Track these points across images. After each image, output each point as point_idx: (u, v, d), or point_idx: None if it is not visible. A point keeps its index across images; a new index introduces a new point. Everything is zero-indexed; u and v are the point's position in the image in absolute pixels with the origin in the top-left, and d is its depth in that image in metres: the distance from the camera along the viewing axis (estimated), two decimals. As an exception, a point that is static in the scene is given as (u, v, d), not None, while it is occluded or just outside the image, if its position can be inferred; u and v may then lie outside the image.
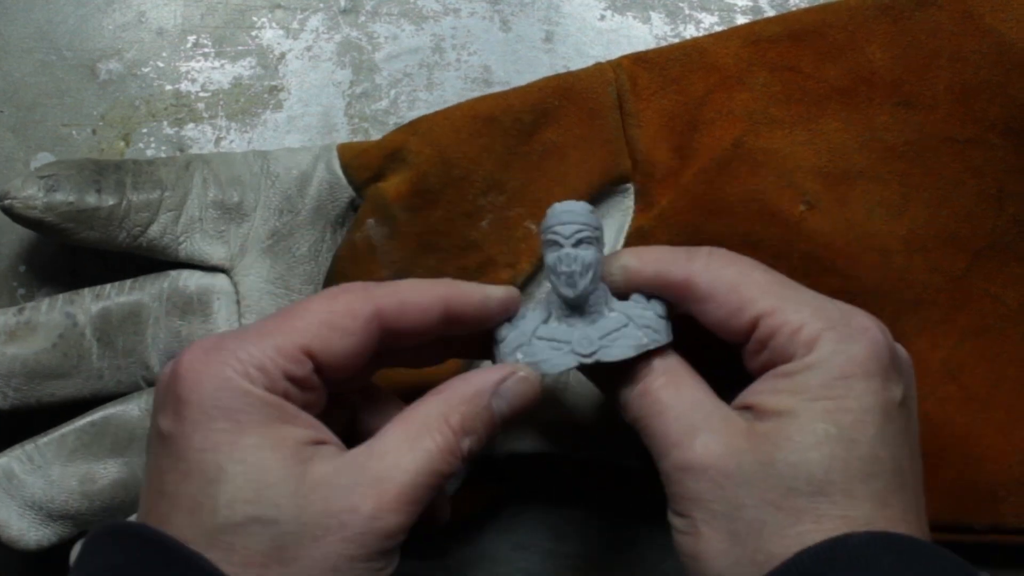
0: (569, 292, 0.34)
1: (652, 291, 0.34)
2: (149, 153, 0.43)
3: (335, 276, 0.39)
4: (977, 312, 0.40)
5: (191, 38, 0.43)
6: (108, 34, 0.43)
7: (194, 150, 0.43)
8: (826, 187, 0.40)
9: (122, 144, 0.43)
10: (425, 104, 0.43)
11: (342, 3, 0.44)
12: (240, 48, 0.43)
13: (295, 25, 0.43)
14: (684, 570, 0.32)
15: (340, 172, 0.39)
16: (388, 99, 0.43)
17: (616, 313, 0.35)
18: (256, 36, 0.43)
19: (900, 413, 0.32)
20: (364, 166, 0.39)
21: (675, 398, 0.33)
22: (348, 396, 0.35)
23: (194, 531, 0.29)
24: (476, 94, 0.42)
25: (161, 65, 0.43)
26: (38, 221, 0.38)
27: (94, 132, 0.43)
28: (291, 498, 0.30)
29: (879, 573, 0.28)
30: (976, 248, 0.40)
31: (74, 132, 0.43)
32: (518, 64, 0.43)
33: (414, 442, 0.31)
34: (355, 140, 0.42)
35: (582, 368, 0.35)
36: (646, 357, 0.34)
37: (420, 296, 0.33)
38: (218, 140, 0.43)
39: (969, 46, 0.40)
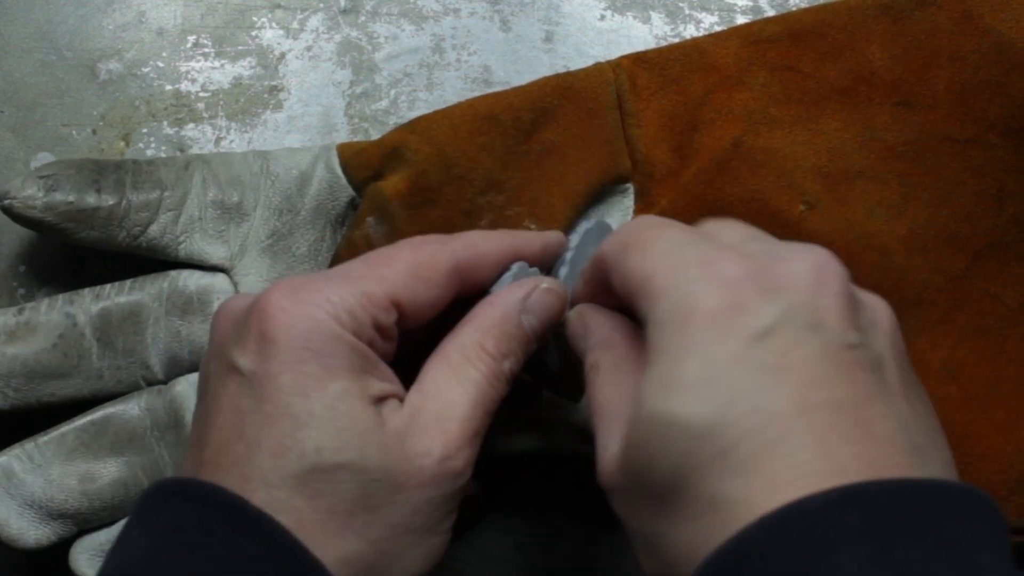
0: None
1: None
2: (149, 153, 0.43)
3: None
4: (977, 312, 0.40)
5: (191, 38, 0.43)
6: (108, 34, 0.43)
7: (194, 150, 0.43)
8: (826, 187, 0.40)
9: (122, 144, 0.43)
10: (425, 104, 0.43)
11: (342, 3, 0.43)
12: (240, 48, 0.43)
13: (295, 25, 0.43)
14: None
15: (340, 171, 0.39)
16: (388, 99, 0.43)
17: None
18: (256, 36, 0.43)
19: (778, 344, 0.26)
20: (363, 165, 0.39)
21: (605, 398, 0.30)
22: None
23: (278, 474, 0.29)
24: (476, 94, 0.42)
25: (161, 65, 0.43)
26: (38, 221, 0.38)
27: (94, 132, 0.43)
28: (377, 447, 0.30)
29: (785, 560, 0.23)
30: (976, 248, 0.40)
31: (74, 132, 0.43)
32: (518, 64, 0.43)
33: (460, 376, 0.32)
34: (355, 140, 0.42)
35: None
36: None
37: (492, 247, 0.34)
38: (218, 140, 0.43)
39: (968, 46, 0.40)
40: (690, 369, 0.26)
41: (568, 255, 0.37)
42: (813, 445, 0.24)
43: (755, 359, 0.26)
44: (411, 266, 0.32)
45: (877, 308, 0.29)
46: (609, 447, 0.29)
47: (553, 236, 0.36)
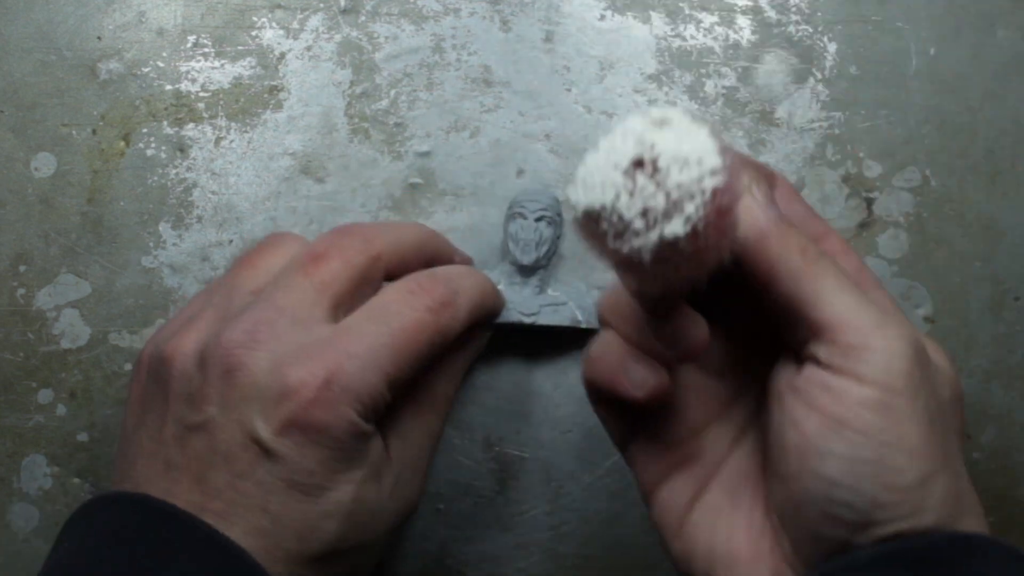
0: (524, 258, 0.38)
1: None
2: (149, 153, 0.42)
3: None
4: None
5: (191, 38, 0.43)
6: (108, 34, 0.43)
7: (194, 149, 0.42)
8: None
9: (122, 144, 0.42)
10: (425, 104, 0.42)
11: (342, 3, 0.43)
12: (240, 48, 0.43)
13: (295, 25, 0.43)
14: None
15: None
16: (388, 99, 0.42)
17: (558, 293, 0.39)
18: (256, 36, 0.43)
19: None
20: None
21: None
22: None
23: (302, 556, 0.30)
24: (476, 94, 0.42)
25: (161, 65, 0.43)
26: None
27: (94, 132, 0.42)
28: (383, 525, 0.32)
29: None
30: None
31: (74, 132, 0.42)
32: (518, 64, 0.43)
33: (425, 420, 0.35)
34: (355, 140, 0.42)
35: (519, 328, 0.39)
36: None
37: (485, 308, 0.36)
38: (218, 140, 0.42)
39: None
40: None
41: None
42: (952, 470, 0.28)
43: (923, 406, 0.27)
44: (424, 350, 0.33)
45: (946, 371, 0.30)
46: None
47: (463, 253, 0.39)
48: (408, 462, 0.33)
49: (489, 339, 0.39)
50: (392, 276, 0.35)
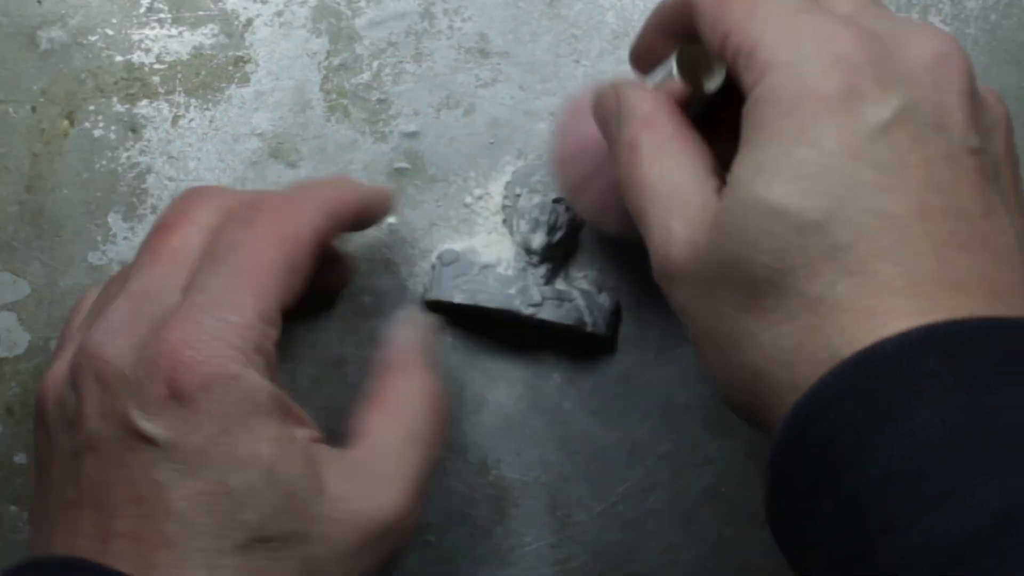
0: (534, 240, 0.37)
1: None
2: (97, 134, 0.40)
3: None
4: None
5: (144, 2, 0.41)
6: (50, -3, 0.41)
7: (148, 129, 0.41)
8: None
9: (66, 123, 0.41)
10: (412, 78, 0.41)
11: (317, -38, 0.42)
12: (201, 14, 0.41)
13: (264, -13, 0.42)
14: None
15: None
16: (370, 72, 0.41)
17: (566, 287, 0.38)
18: (219, 0, 0.41)
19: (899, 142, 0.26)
20: None
21: (657, 179, 0.30)
22: None
23: (222, 554, 0.29)
24: (471, 66, 0.41)
25: (110, 33, 0.41)
26: None
27: (34, 110, 0.41)
28: (320, 518, 0.30)
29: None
30: None
31: (11, 110, 0.40)
32: (519, 32, 0.41)
33: (410, 431, 0.34)
34: (332, 118, 0.41)
35: (512, 319, 0.38)
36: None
37: (344, 201, 0.34)
38: (175, 119, 0.41)
39: None
40: (802, 157, 0.25)
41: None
42: (930, 252, 0.25)
43: (874, 155, 0.25)
44: (282, 262, 0.31)
45: (996, 107, 0.28)
46: (676, 232, 0.28)
47: (381, 188, 0.38)
48: (383, 473, 0.32)
49: (489, 334, 0.40)
50: None
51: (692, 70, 0.31)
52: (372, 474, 0.31)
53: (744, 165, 0.26)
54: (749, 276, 0.26)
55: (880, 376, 0.24)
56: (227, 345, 0.30)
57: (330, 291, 0.38)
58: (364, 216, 0.36)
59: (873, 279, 0.25)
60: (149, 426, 0.29)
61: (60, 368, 0.32)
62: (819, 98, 0.25)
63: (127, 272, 0.34)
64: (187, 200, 0.34)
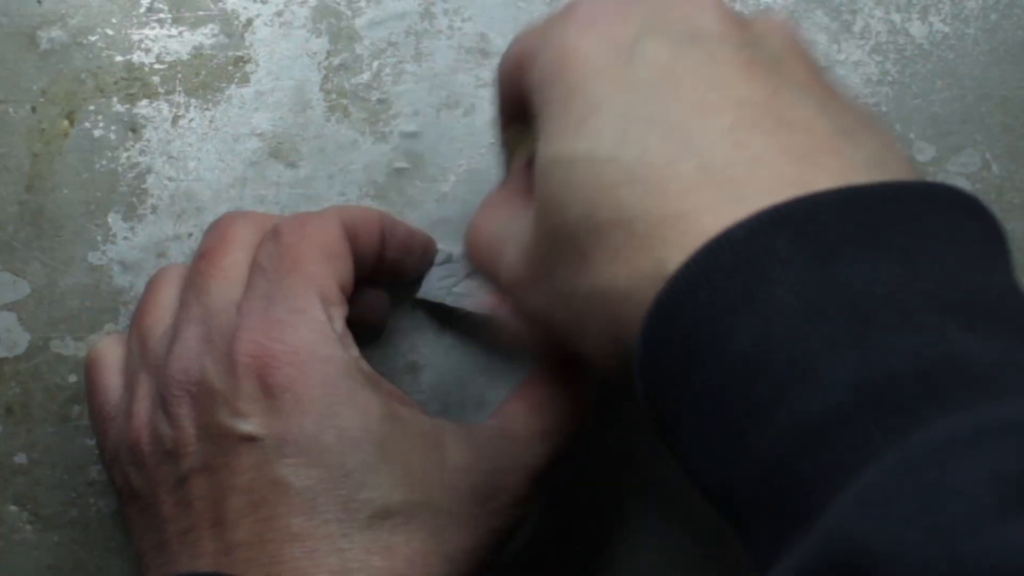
0: None
1: None
2: (97, 134, 0.40)
3: None
4: None
5: (145, 2, 0.41)
6: (50, -3, 0.41)
7: (148, 129, 0.41)
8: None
9: (66, 123, 0.41)
10: (413, 78, 0.41)
11: (317, -38, 0.42)
12: (201, 14, 0.41)
13: (264, -13, 0.42)
14: None
15: None
16: (370, 72, 0.41)
17: None
18: (219, 0, 0.41)
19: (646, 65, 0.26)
20: None
21: (495, 221, 0.32)
22: None
23: (351, 536, 0.29)
24: (471, 66, 0.41)
25: (110, 33, 0.41)
26: None
27: (34, 110, 0.41)
28: (441, 488, 0.31)
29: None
30: None
31: (11, 110, 0.40)
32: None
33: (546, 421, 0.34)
34: (332, 118, 0.41)
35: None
36: None
37: (363, 216, 0.35)
38: (175, 119, 0.41)
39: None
40: (577, 107, 0.26)
41: None
42: (719, 140, 0.24)
43: (636, 77, 0.26)
44: (325, 249, 0.32)
45: (769, 22, 0.28)
46: (510, 250, 0.30)
47: (424, 233, 0.38)
48: (509, 455, 0.33)
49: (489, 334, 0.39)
50: None
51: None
52: (498, 455, 0.32)
53: (541, 142, 0.27)
54: (572, 238, 0.26)
55: (724, 268, 0.23)
56: (308, 330, 0.30)
57: (370, 324, 0.38)
58: (393, 243, 0.36)
59: (674, 184, 0.24)
60: (250, 427, 0.29)
61: (142, 407, 0.32)
62: (577, 55, 0.27)
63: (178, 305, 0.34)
64: (224, 225, 0.35)
